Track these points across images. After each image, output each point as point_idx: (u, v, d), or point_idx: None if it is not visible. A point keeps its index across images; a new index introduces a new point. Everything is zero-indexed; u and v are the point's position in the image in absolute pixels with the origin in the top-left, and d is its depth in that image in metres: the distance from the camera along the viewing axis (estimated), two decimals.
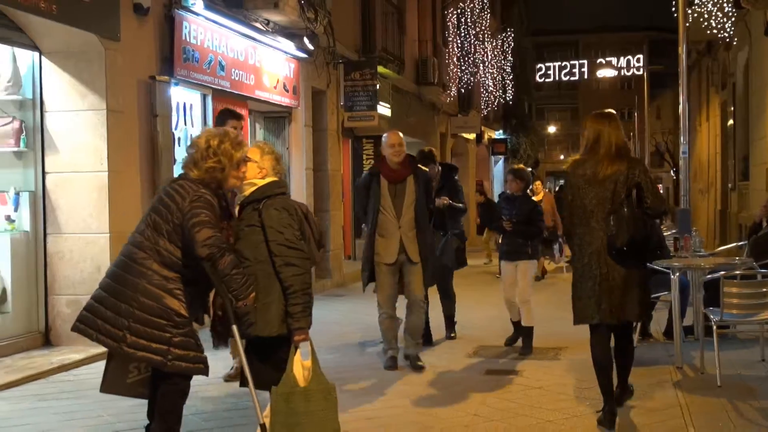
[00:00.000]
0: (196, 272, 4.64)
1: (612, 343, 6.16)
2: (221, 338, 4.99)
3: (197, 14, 10.22)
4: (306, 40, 12.86)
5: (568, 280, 6.80)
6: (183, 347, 4.61)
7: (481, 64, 26.69)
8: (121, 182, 8.97)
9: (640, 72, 32.82)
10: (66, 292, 8.84)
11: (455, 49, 24.24)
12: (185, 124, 10.54)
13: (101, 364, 5.05)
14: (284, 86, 13.10)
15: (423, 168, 8.10)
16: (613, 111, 6.25)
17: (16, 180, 8.82)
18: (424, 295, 8.09)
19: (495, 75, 27.85)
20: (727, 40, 17.22)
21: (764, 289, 7.33)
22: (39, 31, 8.54)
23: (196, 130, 10.41)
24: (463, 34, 24.85)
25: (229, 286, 4.64)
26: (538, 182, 17.26)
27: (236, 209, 5.07)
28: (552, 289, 14.26)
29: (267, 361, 4.93)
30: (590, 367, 6.14)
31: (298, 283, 4.79)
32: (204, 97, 10.81)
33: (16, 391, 7.29)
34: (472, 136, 28.59)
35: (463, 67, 25.23)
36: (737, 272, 8.07)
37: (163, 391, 4.74)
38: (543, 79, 34.89)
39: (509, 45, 28.01)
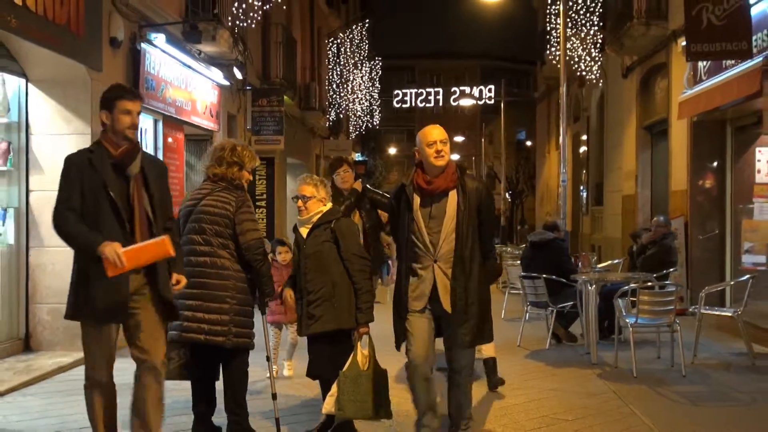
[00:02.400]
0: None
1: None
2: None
3: (156, 47, 11.10)
4: (236, 70, 13.85)
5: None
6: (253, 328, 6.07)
7: (351, 91, 28.14)
8: None
9: (492, 102, 35.21)
10: (47, 302, 9.52)
11: (335, 76, 25.61)
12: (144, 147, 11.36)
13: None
14: (210, 111, 14.03)
15: (471, 178, 5.82)
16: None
17: (2, 197, 9.44)
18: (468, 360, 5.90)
19: (362, 101, 29.39)
20: (594, 81, 19.36)
21: (668, 298, 9.03)
22: (31, 60, 9.25)
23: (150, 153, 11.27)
24: (338, 62, 26.26)
25: (264, 285, 5.99)
26: None
27: (303, 231, 6.22)
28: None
29: (328, 351, 6.06)
30: None
31: (366, 285, 6.01)
32: (156, 122, 11.65)
33: (32, 389, 8.00)
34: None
35: (336, 93, 26.61)
36: (634, 285, 9.73)
37: (233, 368, 5.93)
38: (400, 104, 36.73)
39: (377, 72, 29.65)
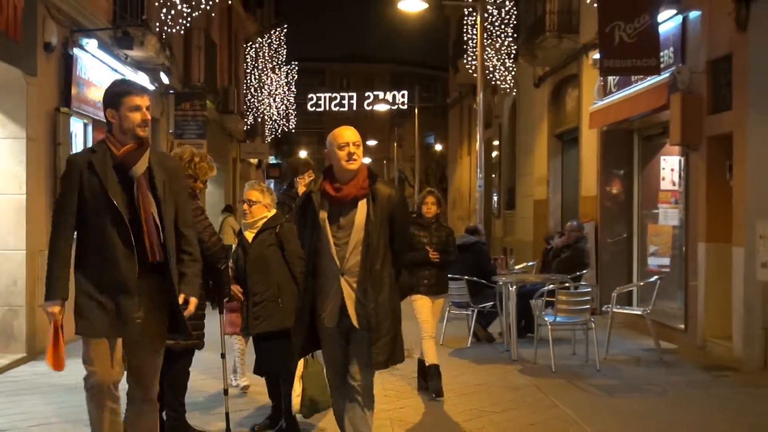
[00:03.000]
0: None
1: None
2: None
3: (88, 52, 11.22)
4: (163, 75, 14.01)
5: None
6: None
7: (268, 94, 28.36)
8: (35, 204, 9.86)
9: (405, 107, 35.85)
10: None
11: (253, 79, 25.80)
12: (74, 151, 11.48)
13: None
14: None
15: (383, 186, 5.23)
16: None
17: None
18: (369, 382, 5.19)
19: (279, 104, 29.63)
20: (507, 90, 20.07)
21: (584, 298, 9.65)
22: None
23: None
24: (256, 66, 26.46)
25: (224, 286, 6.24)
26: None
27: (248, 235, 6.56)
28: None
29: (274, 349, 6.41)
30: None
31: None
32: (85, 125, 11.76)
33: None
34: (255, 161, 30.21)
35: (254, 97, 26.80)
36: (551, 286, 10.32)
37: (178, 368, 6.05)
38: (314, 108, 37.04)
39: (293, 77, 29.95)
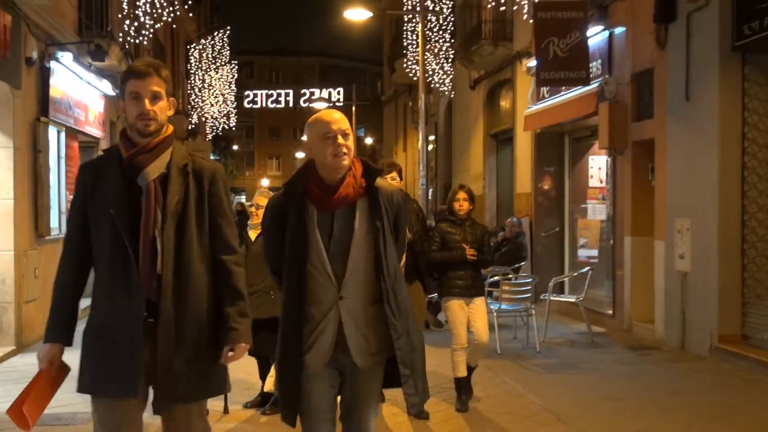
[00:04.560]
0: None
1: None
2: None
3: (62, 64, 11.97)
4: None
5: None
6: None
7: (209, 93, 29.03)
8: (21, 208, 10.61)
9: (341, 104, 36.78)
10: None
11: (197, 80, 26.47)
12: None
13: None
14: (99, 120, 14.87)
15: (385, 183, 4.16)
16: None
17: None
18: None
19: (219, 102, 30.30)
20: (447, 93, 21.20)
21: (525, 288, 10.79)
22: None
23: (54, 163, 12.13)
24: (200, 67, 27.14)
25: None
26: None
27: (252, 234, 7.50)
28: None
29: (265, 334, 7.35)
30: None
31: None
32: (59, 133, 12.48)
33: None
34: None
35: (198, 97, 27.48)
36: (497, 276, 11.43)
37: None
38: (251, 105, 37.70)
39: (233, 76, 30.62)
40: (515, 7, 13.91)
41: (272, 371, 7.28)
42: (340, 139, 3.84)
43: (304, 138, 4.04)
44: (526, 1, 13.18)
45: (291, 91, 37.87)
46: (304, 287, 3.89)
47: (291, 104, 37.65)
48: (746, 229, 9.65)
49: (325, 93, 37.08)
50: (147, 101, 3.56)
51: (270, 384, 7.32)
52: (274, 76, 77.86)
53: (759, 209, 9.58)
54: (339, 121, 3.91)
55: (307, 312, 3.90)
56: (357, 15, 17.94)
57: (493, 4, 15.29)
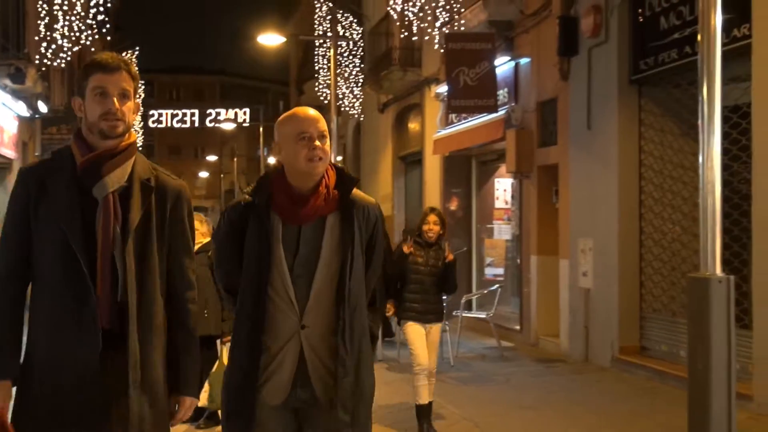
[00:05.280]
0: None
1: None
2: None
3: None
4: (41, 103, 14.78)
5: None
6: None
7: None
8: None
9: (247, 124, 36.97)
10: None
11: None
12: None
13: None
14: (12, 142, 14.87)
15: (361, 196, 3.57)
16: None
17: None
18: None
19: None
20: (357, 116, 21.74)
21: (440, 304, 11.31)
22: None
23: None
24: None
25: None
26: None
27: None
28: None
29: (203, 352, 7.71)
30: None
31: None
32: None
33: None
34: None
35: None
36: None
37: None
38: (156, 125, 37.53)
39: (140, 96, 30.43)
40: (427, 38, 14.51)
41: (206, 386, 7.61)
42: (317, 140, 3.33)
43: (275, 138, 3.51)
44: (437, 32, 13.81)
45: (197, 111, 37.87)
46: (262, 314, 3.36)
47: (196, 124, 37.63)
48: (643, 249, 10.42)
49: (231, 113, 37.21)
50: (115, 99, 3.05)
51: (204, 399, 7.64)
52: (176, 95, 77.15)
53: (654, 230, 10.35)
54: (316, 120, 3.38)
55: (262, 342, 3.36)
56: (270, 40, 18.36)
57: (405, 34, 15.88)
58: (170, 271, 3.27)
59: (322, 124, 3.38)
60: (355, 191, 3.51)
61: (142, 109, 31.12)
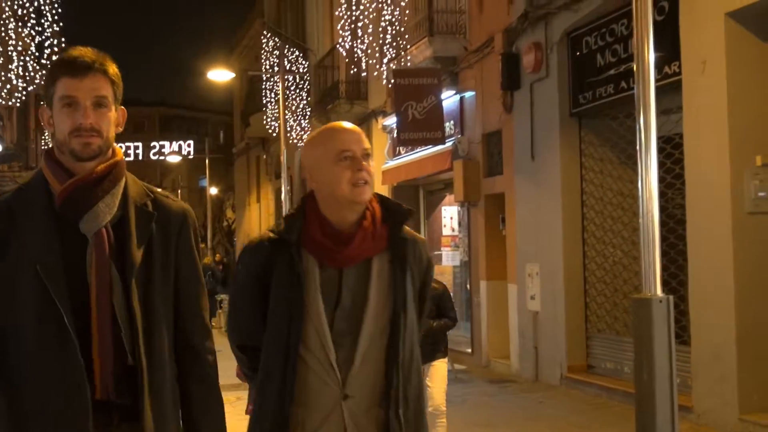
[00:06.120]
0: None
1: None
2: None
3: None
4: None
5: None
6: None
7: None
8: None
9: (192, 156, 37.09)
10: None
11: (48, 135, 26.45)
12: None
13: None
14: None
15: (410, 231, 2.88)
16: None
17: None
18: None
19: None
20: (299, 147, 22.17)
21: None
22: None
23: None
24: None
25: None
26: None
27: None
28: None
29: None
30: None
31: None
32: None
33: None
34: None
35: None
36: None
37: None
38: None
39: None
40: (375, 72, 15.03)
41: None
42: (362, 160, 2.69)
43: (303, 163, 2.88)
44: (385, 68, 14.34)
45: (140, 144, 37.88)
46: (292, 380, 2.66)
47: (141, 157, 37.63)
48: (587, 272, 10.99)
49: (175, 146, 37.31)
50: (87, 109, 2.43)
51: None
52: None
53: (597, 254, 10.95)
54: (359, 135, 2.76)
55: (294, 416, 2.68)
56: (220, 76, 18.73)
57: (355, 70, 16.40)
58: (182, 317, 2.61)
59: (366, 141, 2.76)
60: (406, 227, 2.85)
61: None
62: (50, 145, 2.60)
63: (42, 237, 2.42)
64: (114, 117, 2.53)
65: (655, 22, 5.64)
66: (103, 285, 2.42)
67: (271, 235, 2.79)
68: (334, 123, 2.88)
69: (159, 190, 2.67)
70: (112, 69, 2.54)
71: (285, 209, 19.37)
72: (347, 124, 2.82)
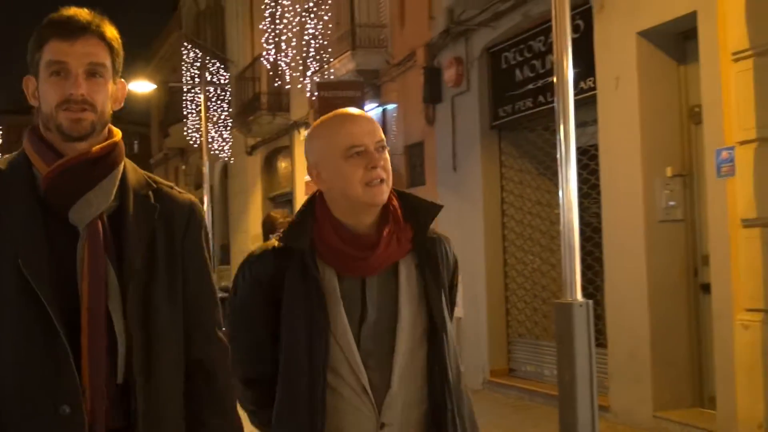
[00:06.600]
0: None
1: None
2: None
3: None
4: None
5: None
6: None
7: None
8: None
9: None
10: None
11: None
12: None
13: None
14: None
15: (435, 230, 2.58)
16: None
17: None
18: None
19: None
20: (227, 159, 22.19)
21: None
22: None
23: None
24: None
25: None
26: None
27: None
28: None
29: None
30: None
31: None
32: None
33: None
34: None
35: None
36: None
37: None
38: None
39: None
40: (299, 85, 15.21)
41: None
42: (375, 154, 2.29)
43: (308, 158, 2.46)
44: (308, 80, 14.53)
45: None
46: (323, 410, 2.26)
47: None
48: (507, 279, 11.35)
49: None
50: (79, 77, 2.05)
51: None
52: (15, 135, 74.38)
53: (517, 261, 11.32)
54: (371, 124, 2.34)
55: None
56: (141, 87, 18.65)
57: (279, 83, 16.53)
58: (192, 328, 2.23)
59: (379, 130, 2.35)
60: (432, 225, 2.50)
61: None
62: (36, 123, 2.15)
63: (24, 226, 2.01)
64: (112, 90, 2.13)
65: (571, 40, 5.98)
66: (97, 287, 2.02)
67: (276, 244, 2.37)
68: (340, 110, 2.39)
69: (161, 179, 2.28)
70: (111, 32, 2.13)
71: (212, 220, 19.35)
72: (355, 111, 2.38)
